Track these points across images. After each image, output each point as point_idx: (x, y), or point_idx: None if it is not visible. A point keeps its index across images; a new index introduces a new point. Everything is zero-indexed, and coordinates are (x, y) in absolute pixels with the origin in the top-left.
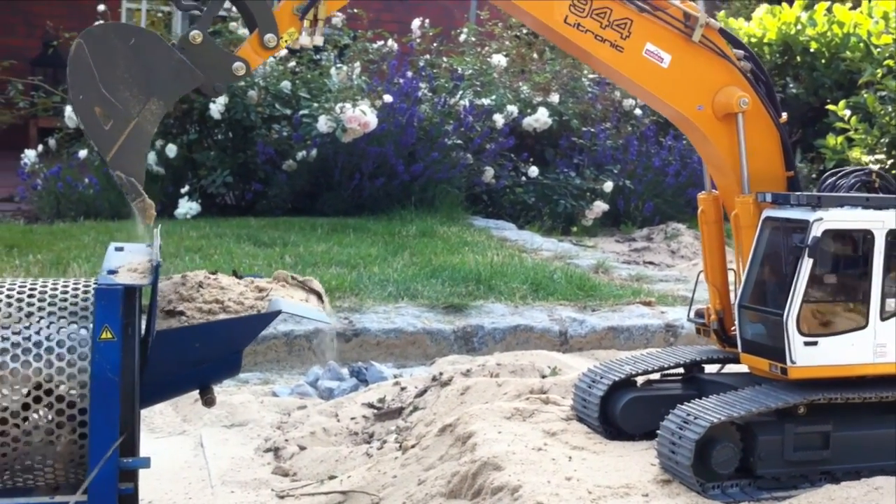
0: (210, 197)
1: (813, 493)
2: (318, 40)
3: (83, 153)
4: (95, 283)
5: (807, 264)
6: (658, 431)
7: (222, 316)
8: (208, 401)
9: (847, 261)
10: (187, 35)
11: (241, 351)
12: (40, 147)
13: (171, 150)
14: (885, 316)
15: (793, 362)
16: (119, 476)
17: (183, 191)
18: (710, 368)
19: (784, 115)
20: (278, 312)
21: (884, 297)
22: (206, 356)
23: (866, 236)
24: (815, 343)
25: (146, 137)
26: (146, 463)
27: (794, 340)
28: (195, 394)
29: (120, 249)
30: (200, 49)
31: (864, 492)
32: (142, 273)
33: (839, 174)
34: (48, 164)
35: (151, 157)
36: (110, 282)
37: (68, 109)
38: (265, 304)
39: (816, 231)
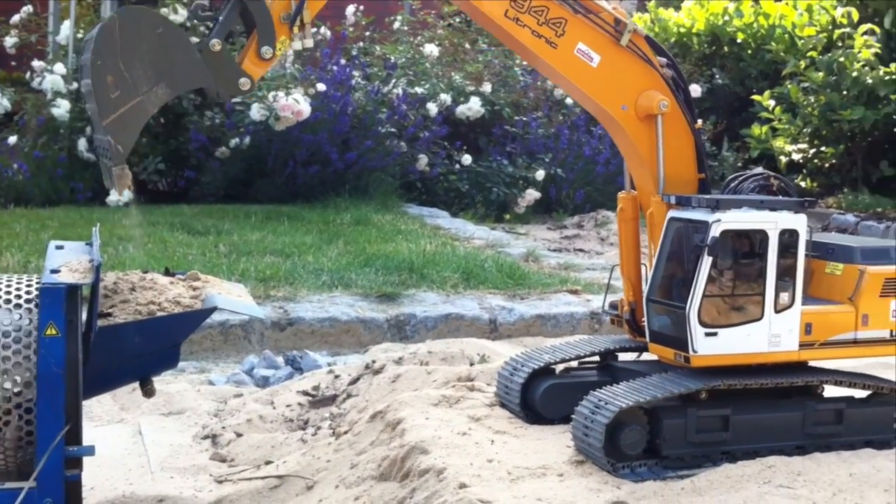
0: (142, 184)
1: (713, 471)
2: (308, 43)
3: (13, 139)
4: (39, 282)
5: (706, 262)
6: (573, 416)
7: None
8: (148, 391)
9: (744, 258)
10: (208, 42)
11: (179, 345)
12: None
13: None
14: (778, 308)
15: (695, 351)
16: (65, 463)
17: None
18: (625, 357)
19: (699, 122)
20: (214, 308)
21: (777, 291)
22: (145, 350)
23: (761, 236)
24: (714, 334)
25: (144, 116)
26: (91, 451)
27: (696, 331)
28: (134, 384)
29: (60, 248)
30: (216, 57)
31: (758, 469)
32: (83, 272)
33: (740, 178)
34: None
35: (82, 143)
36: (54, 281)
37: None
38: (200, 301)
39: (715, 231)
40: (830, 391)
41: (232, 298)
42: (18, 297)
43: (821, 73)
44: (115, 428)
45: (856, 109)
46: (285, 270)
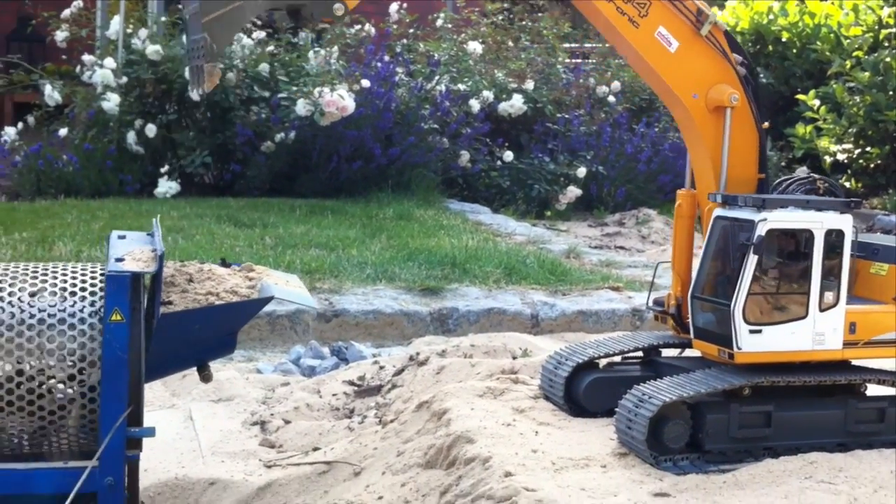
0: (189, 177)
1: (755, 466)
2: None
3: (63, 131)
4: (102, 270)
5: (752, 260)
6: (616, 409)
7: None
8: (205, 377)
9: (789, 257)
10: None
11: (236, 332)
12: (19, 124)
13: (151, 129)
14: (823, 307)
15: (739, 348)
16: (126, 444)
17: (162, 170)
18: (668, 353)
19: (766, 123)
20: (271, 298)
21: (822, 290)
22: (204, 337)
23: (807, 235)
24: (759, 331)
25: (242, 20)
26: (151, 432)
27: (741, 329)
28: (187, 370)
29: (122, 237)
30: None
31: (800, 465)
32: (146, 261)
33: (786, 182)
34: (28, 142)
35: (131, 136)
36: (119, 269)
37: (48, 87)
38: (256, 291)
39: (761, 230)
40: (873, 390)
41: (287, 288)
42: (84, 283)
43: (866, 73)
44: (166, 413)
45: None
46: (330, 263)
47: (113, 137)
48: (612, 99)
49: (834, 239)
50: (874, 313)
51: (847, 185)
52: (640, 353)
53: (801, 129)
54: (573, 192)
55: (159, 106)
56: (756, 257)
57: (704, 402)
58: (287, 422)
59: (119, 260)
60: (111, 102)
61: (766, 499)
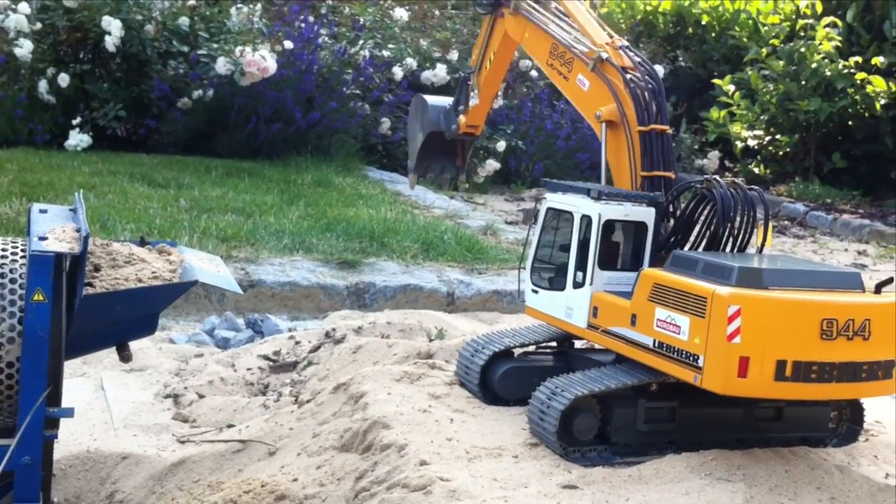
0: (101, 129)
1: (659, 461)
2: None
3: None
4: (28, 249)
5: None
6: (529, 401)
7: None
8: (125, 357)
9: (560, 235)
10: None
11: (158, 314)
12: None
13: (64, 79)
14: (575, 285)
15: (523, 302)
16: (45, 424)
17: (74, 122)
18: (580, 344)
19: (663, 127)
20: (195, 282)
21: (576, 269)
22: (126, 318)
23: (568, 217)
24: (536, 292)
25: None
26: (70, 412)
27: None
28: None
29: (44, 212)
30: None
31: (700, 462)
32: (70, 241)
33: (696, 180)
34: None
35: (43, 84)
36: (43, 248)
37: None
38: (177, 276)
39: (543, 207)
40: None
41: (211, 271)
42: (3, 259)
43: (781, 62)
44: (77, 381)
45: (813, 100)
46: (246, 231)
47: (24, 85)
48: (534, 73)
49: (586, 224)
50: (615, 304)
51: (756, 171)
52: (553, 344)
53: (716, 113)
54: (492, 165)
55: (73, 55)
56: (537, 229)
57: (614, 395)
58: (201, 396)
59: (42, 238)
60: (24, 49)
61: (668, 494)
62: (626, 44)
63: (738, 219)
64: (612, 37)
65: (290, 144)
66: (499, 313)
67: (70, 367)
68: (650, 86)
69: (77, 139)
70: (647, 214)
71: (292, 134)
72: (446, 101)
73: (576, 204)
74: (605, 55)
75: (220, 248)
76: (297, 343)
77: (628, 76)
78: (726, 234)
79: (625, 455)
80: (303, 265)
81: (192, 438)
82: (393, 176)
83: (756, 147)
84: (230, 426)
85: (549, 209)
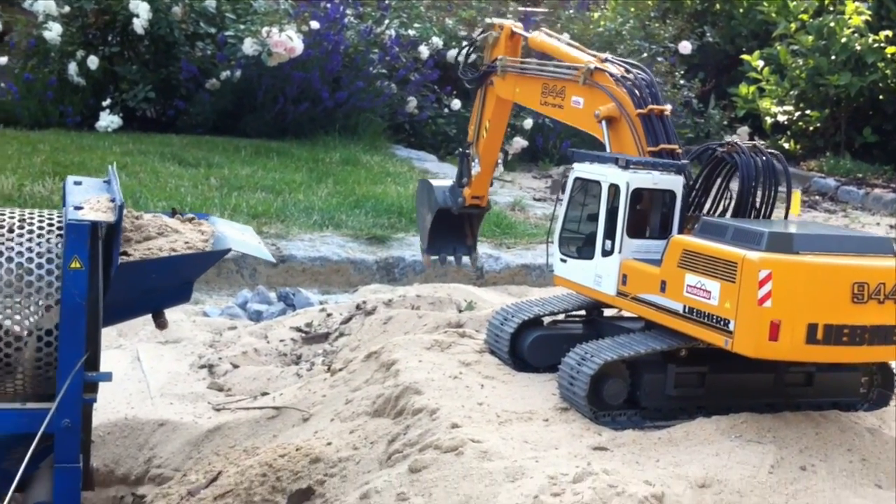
0: (131, 111)
1: (688, 424)
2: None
3: (3, 60)
4: (65, 218)
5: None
6: (559, 366)
7: None
8: (161, 324)
9: (588, 204)
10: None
11: (192, 282)
12: None
13: (93, 61)
14: (604, 253)
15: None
16: (84, 388)
17: (104, 104)
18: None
19: (668, 107)
20: (228, 250)
21: (605, 237)
22: (161, 286)
23: (598, 186)
24: (565, 261)
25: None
26: (108, 377)
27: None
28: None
29: (79, 184)
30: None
31: (730, 425)
32: (105, 211)
33: (713, 144)
34: None
35: (72, 67)
36: (79, 218)
37: None
38: (210, 245)
39: (571, 177)
40: None
41: (244, 240)
42: (41, 229)
43: (810, 37)
44: (114, 353)
45: (843, 75)
46: (276, 208)
47: (54, 68)
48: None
49: (614, 193)
50: (644, 272)
51: (785, 146)
52: (582, 312)
53: (745, 88)
54: (519, 143)
55: (102, 38)
56: (565, 199)
57: (643, 361)
58: (235, 366)
59: (78, 208)
60: (53, 32)
61: (699, 455)
62: (610, 56)
63: (761, 184)
64: (595, 55)
65: (317, 124)
66: (527, 287)
67: (106, 339)
68: (642, 78)
69: (107, 120)
70: (675, 183)
71: (319, 113)
72: (450, 181)
73: (604, 173)
74: (593, 66)
75: (251, 224)
76: (329, 315)
77: (619, 74)
78: (750, 199)
79: (654, 419)
80: (332, 241)
81: (228, 406)
82: (420, 154)
83: (786, 122)
84: (264, 394)
85: (576, 179)
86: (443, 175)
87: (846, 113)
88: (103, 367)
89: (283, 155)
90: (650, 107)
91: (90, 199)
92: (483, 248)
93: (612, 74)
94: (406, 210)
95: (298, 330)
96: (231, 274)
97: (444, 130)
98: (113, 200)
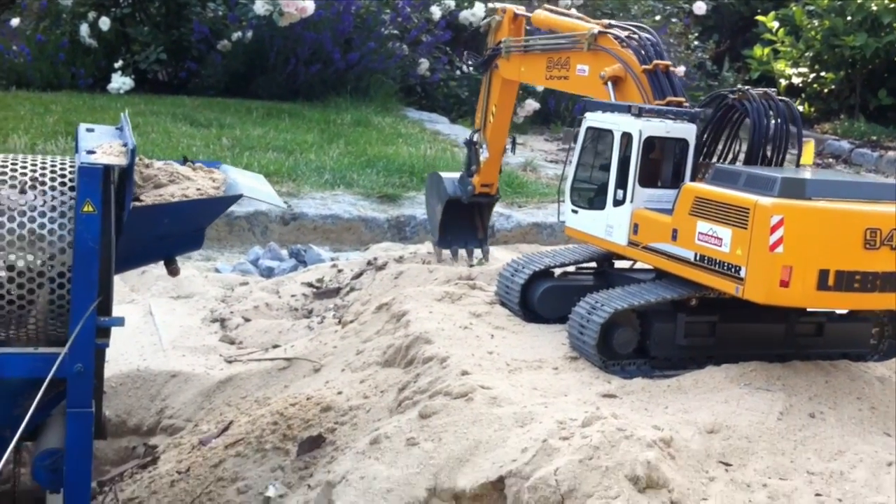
0: (143, 73)
1: (698, 373)
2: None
3: (15, 21)
4: (71, 162)
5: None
6: (570, 316)
7: None
8: (173, 270)
9: (600, 154)
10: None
11: (204, 228)
12: None
13: (105, 23)
14: (615, 203)
15: (562, 222)
16: (96, 332)
17: (116, 65)
18: (620, 265)
19: (666, 62)
20: (239, 196)
21: (616, 187)
22: (173, 231)
23: (609, 136)
24: (576, 212)
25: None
26: (121, 322)
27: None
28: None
29: (91, 130)
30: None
31: (739, 373)
32: (117, 155)
33: (724, 91)
34: None
35: (84, 28)
36: (92, 161)
37: None
38: (222, 192)
39: (582, 126)
40: None
41: (255, 186)
42: (53, 175)
43: None
44: (126, 307)
45: (858, 36)
46: (288, 167)
47: (66, 30)
48: (574, 11)
49: (627, 142)
50: (655, 220)
51: (800, 108)
52: (593, 264)
53: (759, 50)
54: (531, 105)
55: None
56: (577, 149)
57: (653, 310)
58: (247, 320)
59: (90, 152)
60: None
61: (708, 402)
62: (614, 22)
63: (772, 131)
64: (598, 22)
65: (328, 86)
66: (539, 245)
67: (119, 294)
68: (646, 38)
69: (119, 82)
70: (688, 131)
71: (331, 75)
72: (460, 173)
73: (616, 122)
74: (596, 30)
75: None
76: (340, 271)
77: (624, 35)
78: (761, 147)
79: (664, 369)
80: (344, 199)
81: (239, 358)
82: (432, 116)
83: (800, 84)
84: (275, 346)
85: (588, 129)
86: (454, 136)
87: (861, 75)
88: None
89: (294, 116)
90: (655, 62)
91: (102, 145)
92: (495, 207)
93: (615, 37)
94: (417, 170)
95: (310, 285)
96: (243, 232)
97: (455, 93)
98: (125, 145)
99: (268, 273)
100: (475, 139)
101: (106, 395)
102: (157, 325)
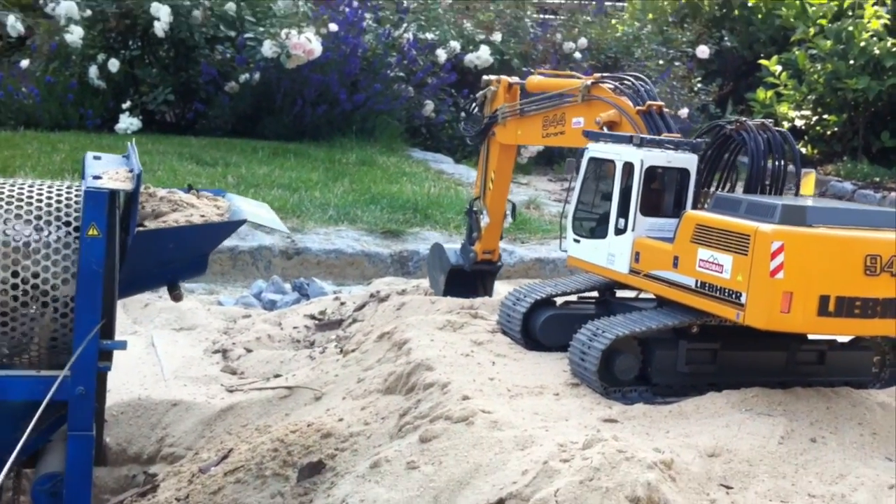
0: (150, 114)
1: (699, 399)
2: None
3: (25, 63)
4: (84, 186)
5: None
6: (571, 342)
7: None
8: (176, 296)
9: (602, 183)
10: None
11: (207, 254)
12: None
13: (114, 64)
14: (617, 231)
15: (564, 251)
16: (98, 355)
17: (124, 106)
18: (622, 294)
19: (659, 103)
20: (243, 221)
21: (618, 216)
22: (177, 256)
23: (611, 165)
24: (578, 241)
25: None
26: (123, 345)
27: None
28: (144, 298)
29: (98, 158)
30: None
31: (741, 399)
32: (123, 180)
33: (721, 122)
34: None
35: (93, 70)
36: (98, 185)
37: (10, 18)
38: (226, 218)
39: (585, 157)
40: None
41: (259, 213)
42: (59, 202)
43: (829, 42)
44: (128, 338)
45: (861, 79)
46: (293, 203)
47: (75, 71)
48: (578, 55)
49: (628, 171)
50: (657, 248)
51: (803, 150)
52: (595, 293)
53: (762, 93)
54: (535, 147)
55: (122, 41)
56: (579, 180)
57: (654, 337)
58: (249, 350)
59: (96, 178)
60: (74, 35)
61: (708, 427)
62: (605, 75)
63: (770, 161)
64: (590, 76)
65: (334, 126)
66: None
67: (121, 325)
68: (640, 84)
69: (127, 122)
70: (689, 161)
71: (337, 116)
72: (461, 243)
73: (618, 152)
74: (589, 82)
75: None
76: (342, 304)
77: (616, 85)
78: (759, 177)
79: (665, 396)
80: (347, 234)
81: (241, 387)
82: (437, 156)
83: (803, 127)
84: (277, 376)
85: (590, 159)
86: (458, 175)
87: (864, 117)
88: (118, 353)
89: (300, 155)
90: (648, 103)
91: (108, 171)
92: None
93: (608, 86)
94: (421, 206)
95: (312, 317)
96: (246, 266)
97: (460, 134)
98: (131, 171)
99: (270, 306)
100: (475, 207)
101: (107, 424)
102: (159, 356)
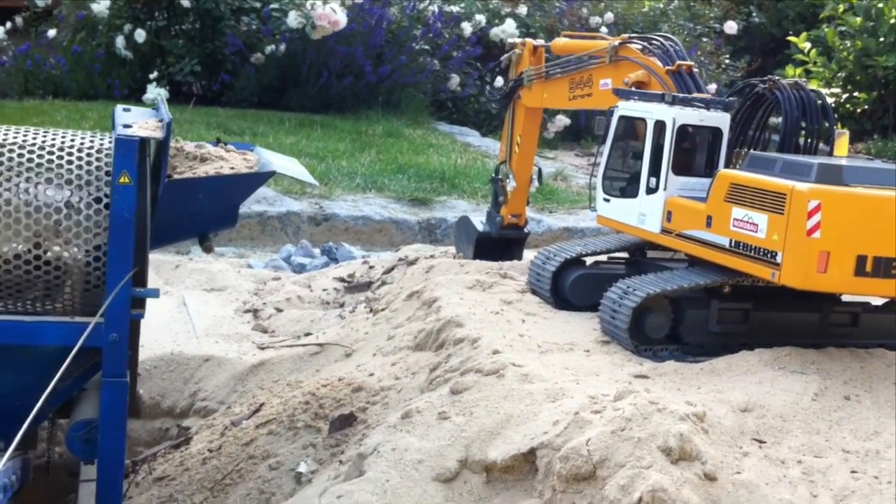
0: (177, 85)
1: (731, 357)
2: None
3: (52, 32)
4: (115, 134)
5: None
6: (601, 301)
7: None
8: (207, 247)
9: (633, 142)
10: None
11: (238, 205)
12: (7, 24)
13: (140, 35)
14: (648, 191)
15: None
16: (131, 303)
17: (151, 77)
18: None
19: (689, 63)
20: (272, 173)
21: (649, 175)
22: (207, 207)
23: (643, 124)
24: (608, 201)
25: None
26: (156, 293)
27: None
28: (175, 259)
29: (127, 110)
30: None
31: (773, 357)
32: (153, 129)
33: (754, 80)
34: (16, 42)
35: (120, 40)
36: (129, 133)
37: None
38: (255, 169)
39: (614, 116)
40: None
41: (288, 165)
42: (90, 149)
43: (858, 18)
44: (160, 298)
45: (891, 56)
46: (321, 171)
47: (101, 41)
48: (604, 30)
49: (660, 130)
50: (689, 208)
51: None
52: (625, 254)
53: (791, 71)
54: (562, 121)
55: (149, 11)
56: (609, 139)
57: (686, 296)
58: (279, 310)
59: (127, 126)
60: (101, 5)
61: (741, 384)
62: (632, 34)
63: (803, 121)
64: (618, 37)
65: (360, 98)
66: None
67: (152, 285)
68: (668, 44)
69: (154, 93)
70: (721, 120)
71: (362, 88)
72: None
73: (649, 110)
74: (617, 42)
75: (295, 185)
76: (371, 267)
77: (644, 44)
78: (793, 136)
79: (696, 355)
80: (375, 202)
81: (272, 344)
82: (463, 129)
83: (833, 105)
84: (307, 334)
85: (620, 118)
86: (484, 148)
87: (894, 94)
88: (149, 310)
89: (326, 127)
90: (678, 62)
91: (138, 121)
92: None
93: (636, 46)
94: (448, 176)
95: (341, 280)
96: (275, 231)
97: (486, 108)
98: (161, 120)
99: (300, 269)
100: (500, 173)
101: (140, 378)
102: (191, 315)
